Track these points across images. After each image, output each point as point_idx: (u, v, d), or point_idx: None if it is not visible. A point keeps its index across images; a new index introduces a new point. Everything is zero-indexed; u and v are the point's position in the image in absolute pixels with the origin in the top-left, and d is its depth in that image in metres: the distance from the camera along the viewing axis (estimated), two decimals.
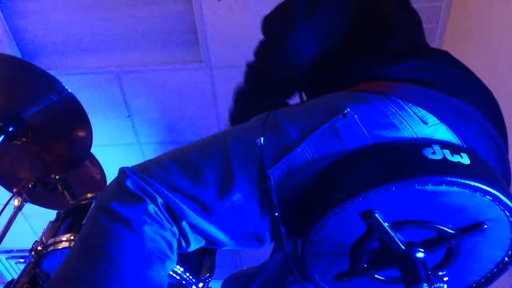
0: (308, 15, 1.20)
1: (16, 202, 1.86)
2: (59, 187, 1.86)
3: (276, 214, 0.95)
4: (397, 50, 1.15)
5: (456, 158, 0.88)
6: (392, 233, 0.91)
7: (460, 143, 0.97)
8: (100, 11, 2.76)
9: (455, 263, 0.98)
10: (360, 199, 0.88)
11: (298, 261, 1.02)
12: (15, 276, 1.51)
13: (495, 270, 1.00)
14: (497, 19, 2.26)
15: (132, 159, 3.51)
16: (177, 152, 1.07)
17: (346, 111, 0.97)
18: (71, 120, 1.82)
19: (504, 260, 0.98)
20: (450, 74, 1.07)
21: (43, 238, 1.51)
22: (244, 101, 1.37)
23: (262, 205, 0.98)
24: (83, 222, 1.42)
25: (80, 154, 1.96)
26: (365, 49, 1.15)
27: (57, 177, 1.86)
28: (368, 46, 1.16)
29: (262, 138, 0.99)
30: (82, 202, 1.58)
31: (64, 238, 1.44)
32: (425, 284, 0.87)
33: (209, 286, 1.46)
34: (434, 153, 0.88)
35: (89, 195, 1.61)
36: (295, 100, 1.31)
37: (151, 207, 0.94)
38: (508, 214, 0.90)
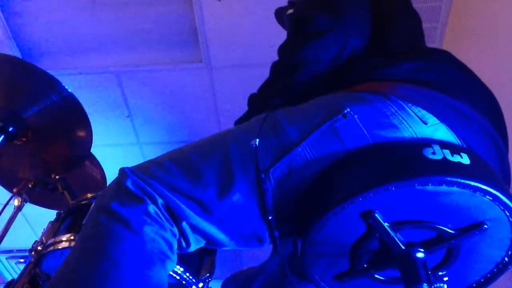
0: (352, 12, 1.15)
1: (16, 202, 1.86)
2: (59, 187, 1.86)
3: (270, 218, 0.95)
4: (397, 51, 1.15)
5: (456, 158, 0.88)
6: (392, 233, 0.91)
7: (460, 143, 0.97)
8: (100, 11, 2.76)
9: (455, 263, 0.98)
10: (360, 199, 0.88)
11: (298, 261, 1.02)
12: (15, 276, 1.51)
13: (495, 270, 1.00)
14: (497, 18, 2.26)
15: (132, 159, 3.51)
16: (177, 153, 1.07)
17: (346, 111, 0.97)
18: (71, 120, 1.82)
19: (504, 260, 0.98)
20: (450, 74, 1.07)
21: (43, 238, 1.51)
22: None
23: (261, 206, 0.98)
24: (83, 222, 1.42)
25: (80, 154, 1.96)
26: (366, 49, 1.15)
27: (57, 177, 1.86)
28: (368, 47, 1.16)
29: (257, 140, 0.99)
30: (82, 202, 1.58)
31: (64, 238, 1.44)
32: (425, 284, 0.87)
33: (209, 286, 1.46)
34: (434, 153, 0.89)
35: (89, 195, 1.60)
36: None
37: (151, 208, 0.94)
38: (508, 214, 0.90)
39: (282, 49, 1.23)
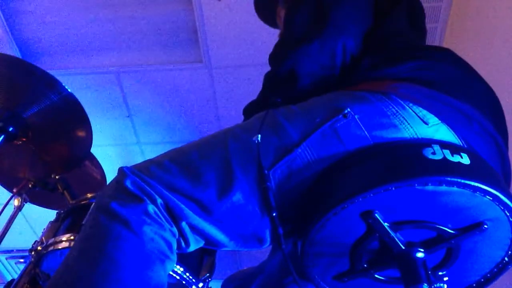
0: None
1: (16, 202, 1.86)
2: (59, 187, 1.86)
3: (274, 214, 0.95)
4: (398, 49, 1.14)
5: (456, 158, 0.88)
6: (392, 233, 0.91)
7: (461, 143, 0.97)
8: (100, 11, 2.76)
9: (455, 263, 0.98)
10: (360, 199, 0.88)
11: (298, 262, 1.02)
12: (15, 276, 1.51)
13: (495, 270, 1.00)
14: (497, 18, 2.26)
15: (132, 159, 3.52)
16: (177, 152, 1.06)
17: (346, 111, 0.97)
18: (71, 120, 1.82)
19: (504, 260, 0.98)
20: (452, 74, 1.06)
21: (43, 238, 1.51)
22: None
23: (262, 206, 0.98)
24: (83, 222, 1.42)
25: (80, 154, 1.96)
26: (366, 49, 1.15)
27: (57, 177, 1.86)
28: (369, 46, 1.15)
29: (259, 136, 0.99)
30: (82, 202, 1.59)
31: (64, 238, 1.44)
32: (425, 284, 0.87)
33: (209, 286, 1.46)
34: (434, 153, 0.88)
35: (89, 195, 1.61)
36: None
37: (151, 208, 0.94)
38: (508, 214, 0.90)
39: (272, 58, 1.22)
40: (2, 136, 1.72)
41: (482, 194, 0.86)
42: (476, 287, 1.03)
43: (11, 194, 1.89)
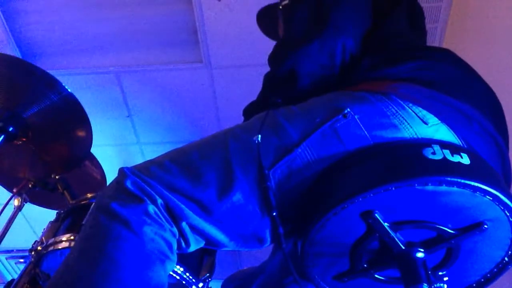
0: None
1: (16, 202, 1.86)
2: (59, 187, 1.86)
3: (274, 214, 0.95)
4: (398, 49, 1.14)
5: (456, 158, 0.88)
6: (392, 233, 0.91)
7: (460, 143, 0.97)
8: (100, 11, 2.76)
9: (455, 263, 0.98)
10: (360, 199, 0.88)
11: (298, 261, 1.02)
12: (15, 276, 1.51)
13: (495, 270, 1.00)
14: (497, 18, 2.26)
15: (132, 159, 3.52)
16: (177, 153, 1.07)
17: (346, 111, 0.97)
18: (71, 120, 1.82)
19: (504, 260, 0.98)
20: (452, 74, 1.06)
21: (43, 238, 1.51)
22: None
23: (262, 206, 0.98)
24: (83, 222, 1.42)
25: (80, 154, 1.96)
26: (366, 49, 1.15)
27: (57, 177, 1.86)
28: (369, 47, 1.16)
29: (259, 136, 0.99)
30: (82, 202, 1.59)
31: (64, 238, 1.44)
32: (425, 284, 0.87)
33: (209, 286, 1.46)
34: (434, 153, 0.88)
35: (89, 195, 1.61)
36: None
37: (151, 208, 0.94)
38: (508, 214, 0.90)
39: (272, 59, 1.22)
40: (2, 136, 1.72)
41: (482, 194, 0.86)
42: (476, 287, 1.03)
43: (11, 194, 1.89)
